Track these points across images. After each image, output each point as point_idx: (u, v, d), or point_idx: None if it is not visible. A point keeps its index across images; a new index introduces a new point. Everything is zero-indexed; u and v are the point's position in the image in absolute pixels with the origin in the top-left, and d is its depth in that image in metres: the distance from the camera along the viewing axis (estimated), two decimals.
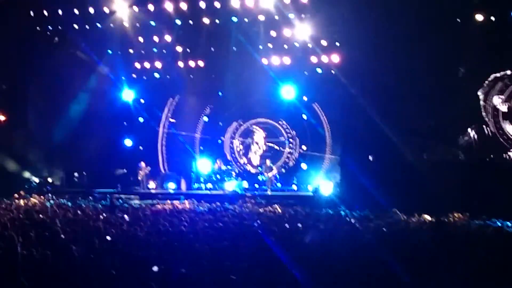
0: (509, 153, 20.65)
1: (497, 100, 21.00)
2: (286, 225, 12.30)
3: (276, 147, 25.58)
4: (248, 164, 25.83)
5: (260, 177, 24.20)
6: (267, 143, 25.76)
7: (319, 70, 23.68)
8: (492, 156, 20.60)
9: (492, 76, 20.87)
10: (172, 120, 26.54)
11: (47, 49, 22.99)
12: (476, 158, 20.41)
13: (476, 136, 20.75)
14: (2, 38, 22.24)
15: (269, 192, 22.58)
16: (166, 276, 8.02)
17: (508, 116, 20.98)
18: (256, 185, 24.10)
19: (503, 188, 16.62)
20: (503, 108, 21.00)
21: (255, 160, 25.83)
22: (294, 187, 24.09)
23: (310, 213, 15.61)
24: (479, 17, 19.72)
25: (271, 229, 11.49)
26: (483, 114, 21.06)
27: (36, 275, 7.98)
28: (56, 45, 23.24)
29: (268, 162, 24.26)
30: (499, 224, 13.41)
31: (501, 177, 17.52)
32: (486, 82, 20.91)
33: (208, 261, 8.55)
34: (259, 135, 25.98)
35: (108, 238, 10.32)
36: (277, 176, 24.49)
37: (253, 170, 25.36)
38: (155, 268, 8.28)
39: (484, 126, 20.95)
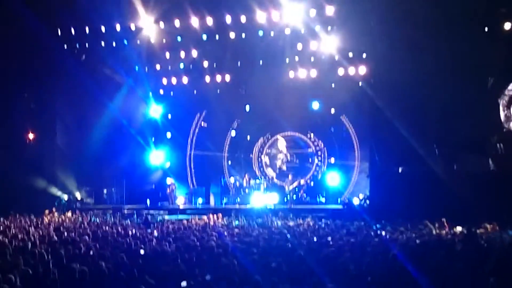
0: None
1: None
2: (315, 238, 12.24)
3: (300, 151, 25.57)
4: (275, 178, 25.77)
5: (287, 191, 24.14)
6: (293, 152, 25.74)
7: (346, 83, 23.59)
8: None
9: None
10: (203, 125, 26.58)
11: (75, 66, 23.13)
12: (505, 167, 20.13)
13: (502, 145, 20.44)
14: (31, 56, 22.48)
15: (291, 206, 22.45)
16: None
17: None
18: (286, 199, 23.98)
19: None
20: None
21: (283, 167, 25.81)
22: (323, 199, 23.99)
23: (340, 226, 15.52)
24: (507, 26, 19.50)
25: (301, 242, 11.44)
26: (506, 123, 20.71)
27: None
28: (84, 62, 23.36)
29: (290, 176, 24.25)
30: None
31: None
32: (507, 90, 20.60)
33: (237, 275, 8.52)
34: (282, 143, 25.97)
35: (140, 252, 10.37)
36: (304, 189, 24.43)
37: (280, 183, 25.26)
38: (183, 283, 8.28)
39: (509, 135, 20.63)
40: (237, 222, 17.51)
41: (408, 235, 12.91)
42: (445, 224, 14.87)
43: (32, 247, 11.02)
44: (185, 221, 17.80)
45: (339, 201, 22.75)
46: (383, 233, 13.46)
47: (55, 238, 12.80)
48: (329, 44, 22.21)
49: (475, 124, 19.68)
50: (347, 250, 10.45)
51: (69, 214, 20.63)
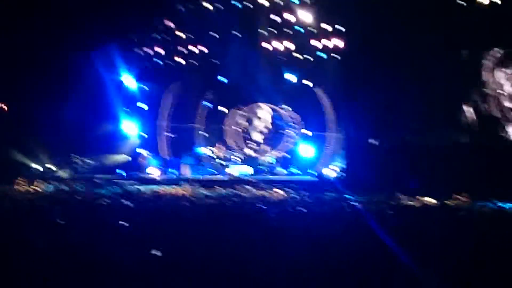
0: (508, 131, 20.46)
1: (500, 76, 20.79)
2: (290, 208, 12.24)
3: (274, 123, 25.53)
4: (249, 149, 25.72)
5: (261, 161, 24.18)
6: (268, 123, 25.70)
7: (323, 55, 23.56)
8: (493, 136, 20.47)
9: (495, 52, 20.62)
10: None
11: (46, 38, 22.78)
12: (477, 139, 20.30)
13: (476, 116, 20.58)
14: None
15: (265, 177, 22.48)
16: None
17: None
18: (260, 169, 24.01)
19: (504, 169, 16.62)
20: (506, 84, 20.81)
21: (257, 139, 25.76)
22: (297, 171, 24.03)
23: (314, 197, 15.54)
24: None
25: (273, 212, 11.43)
26: (484, 93, 20.83)
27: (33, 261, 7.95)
28: (54, 32, 22.97)
29: (265, 146, 24.31)
30: (501, 206, 13.41)
31: (502, 158, 17.51)
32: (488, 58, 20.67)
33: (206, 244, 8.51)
34: (256, 114, 25.90)
35: (113, 223, 10.28)
36: (278, 160, 24.47)
37: (254, 154, 25.25)
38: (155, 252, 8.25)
39: (485, 106, 20.75)
40: (209, 192, 17.47)
41: (382, 206, 12.95)
42: (418, 195, 14.95)
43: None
44: (157, 192, 17.71)
45: (313, 173, 22.80)
46: (356, 204, 13.48)
47: (26, 207, 12.67)
48: (306, 16, 22.15)
49: (448, 97, 19.80)
50: (320, 220, 10.46)
51: (40, 183, 20.43)
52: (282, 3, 21.94)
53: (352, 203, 13.96)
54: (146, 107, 26.36)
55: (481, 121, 20.47)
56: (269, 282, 7.84)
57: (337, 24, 22.29)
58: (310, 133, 24.97)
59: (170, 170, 24.73)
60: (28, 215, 11.29)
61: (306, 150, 24.52)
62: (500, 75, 20.85)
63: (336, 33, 22.52)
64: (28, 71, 23.88)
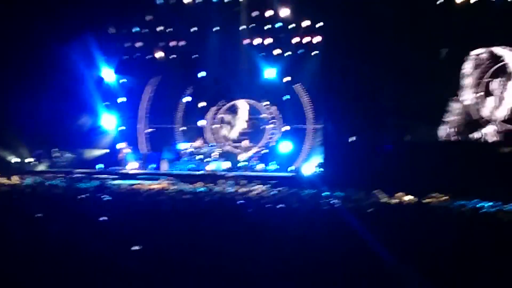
0: (483, 130, 20.64)
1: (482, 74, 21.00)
2: (268, 205, 12.24)
3: (254, 119, 25.55)
4: (229, 144, 25.74)
5: (240, 157, 24.21)
6: (248, 119, 25.69)
7: (301, 51, 23.68)
8: (470, 135, 20.66)
9: (476, 52, 20.79)
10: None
11: (24, 30, 22.59)
12: (456, 138, 20.48)
13: (456, 116, 20.76)
14: None
15: (244, 173, 22.50)
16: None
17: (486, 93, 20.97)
18: (238, 166, 24.03)
19: (481, 168, 16.73)
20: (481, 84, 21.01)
21: (234, 135, 25.75)
22: (275, 167, 24.06)
23: (292, 194, 15.55)
24: None
25: (251, 208, 11.43)
26: (463, 92, 21.00)
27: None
28: (32, 26, 22.77)
29: (246, 142, 24.32)
30: (480, 205, 13.47)
31: (479, 156, 17.64)
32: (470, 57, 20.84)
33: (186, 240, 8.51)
34: (236, 109, 25.89)
35: (93, 217, 10.23)
36: (258, 156, 24.52)
37: (233, 150, 25.28)
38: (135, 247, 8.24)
39: (464, 105, 20.93)
40: (188, 187, 17.44)
41: (360, 203, 12.99)
42: (395, 193, 15.01)
43: None
44: (136, 186, 17.65)
45: (291, 169, 22.85)
46: (334, 201, 13.50)
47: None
48: (284, 11, 22.21)
49: (427, 94, 19.94)
50: (297, 217, 10.47)
51: (17, 177, 20.26)
52: None
53: (329, 200, 14.01)
54: (125, 101, 26.30)
55: (462, 118, 20.65)
56: (246, 278, 7.88)
57: (315, 19, 22.39)
58: (289, 128, 25.02)
59: (149, 165, 24.67)
60: (5, 209, 11.21)
61: (285, 146, 24.58)
62: (482, 74, 21.03)
63: (315, 28, 22.62)
64: (5, 63, 23.69)
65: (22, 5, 22.19)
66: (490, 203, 13.57)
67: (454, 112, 20.81)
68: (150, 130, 26.41)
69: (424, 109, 20.42)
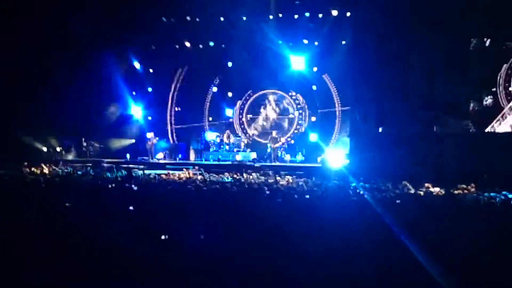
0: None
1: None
2: (295, 196, 12.24)
3: (282, 109, 25.55)
4: (256, 136, 25.76)
5: (268, 149, 24.20)
6: (276, 110, 25.66)
7: (329, 42, 23.58)
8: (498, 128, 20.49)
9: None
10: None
11: (54, 31, 22.76)
12: (484, 131, 20.32)
13: (482, 108, 20.61)
14: None
15: (275, 163, 22.51)
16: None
17: None
18: (265, 157, 24.04)
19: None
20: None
21: (265, 124, 25.76)
22: (302, 157, 24.03)
23: (319, 184, 15.54)
24: None
25: (278, 198, 11.44)
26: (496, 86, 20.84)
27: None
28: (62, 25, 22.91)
29: (274, 133, 24.31)
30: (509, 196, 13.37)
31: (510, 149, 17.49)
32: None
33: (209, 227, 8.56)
34: (266, 101, 25.88)
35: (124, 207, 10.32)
36: (285, 147, 24.50)
37: (261, 141, 25.29)
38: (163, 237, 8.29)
39: (494, 99, 20.77)
40: (212, 177, 17.51)
41: (387, 194, 12.94)
42: (424, 184, 14.94)
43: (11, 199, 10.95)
44: (164, 176, 17.74)
45: (319, 160, 22.80)
46: (362, 192, 13.47)
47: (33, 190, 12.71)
48: (313, 2, 22.17)
49: (458, 86, 19.79)
50: (325, 208, 10.46)
51: (48, 166, 20.48)
52: None
53: (358, 190, 13.97)
54: (154, 92, 26.43)
55: (490, 112, 20.51)
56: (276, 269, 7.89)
57: (346, 11, 22.28)
58: (315, 119, 24.97)
59: (177, 155, 24.78)
60: (35, 198, 11.33)
61: (313, 137, 24.54)
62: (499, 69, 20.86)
63: (344, 18, 22.51)
64: (35, 58, 23.89)
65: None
66: None
67: (481, 105, 20.66)
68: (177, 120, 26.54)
69: (451, 101, 20.26)
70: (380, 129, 20.16)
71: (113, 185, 14.25)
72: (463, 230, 8.53)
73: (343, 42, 22.92)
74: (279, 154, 24.00)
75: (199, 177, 17.72)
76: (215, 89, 26.21)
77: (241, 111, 26.09)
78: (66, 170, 19.27)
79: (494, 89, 20.84)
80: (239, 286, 7.67)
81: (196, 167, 19.69)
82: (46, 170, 19.11)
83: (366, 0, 19.85)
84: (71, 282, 7.77)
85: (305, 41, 23.91)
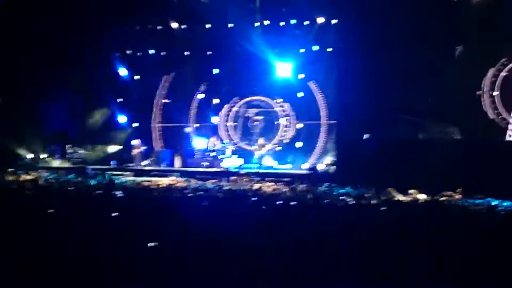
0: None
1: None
2: (280, 202, 12.23)
3: (268, 116, 25.48)
4: (243, 142, 25.70)
5: (254, 154, 24.17)
6: (261, 116, 25.58)
7: (315, 48, 23.60)
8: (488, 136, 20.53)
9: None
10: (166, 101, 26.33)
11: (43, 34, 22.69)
12: (471, 137, 20.36)
13: (471, 113, 20.68)
14: None
15: (260, 170, 22.46)
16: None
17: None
18: (253, 162, 24.00)
19: (498, 168, 16.59)
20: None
21: (251, 131, 25.68)
22: (289, 165, 24.00)
23: (305, 191, 15.56)
24: None
25: (263, 204, 11.42)
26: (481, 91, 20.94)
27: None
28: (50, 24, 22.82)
29: (261, 140, 24.28)
30: (494, 203, 13.40)
31: (496, 157, 17.50)
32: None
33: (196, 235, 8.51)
34: (251, 107, 25.83)
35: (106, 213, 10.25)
36: (272, 153, 24.46)
37: (247, 147, 25.23)
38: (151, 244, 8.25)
39: (478, 104, 20.87)
40: (197, 184, 17.51)
41: (373, 201, 12.97)
42: (409, 191, 14.98)
43: None
44: (148, 183, 17.70)
45: (305, 166, 22.80)
46: (347, 198, 13.49)
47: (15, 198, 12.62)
48: (299, 9, 22.25)
49: (441, 92, 19.88)
50: (311, 214, 10.45)
51: (32, 173, 20.42)
52: None
53: (343, 197, 13.99)
54: (140, 99, 26.35)
55: (476, 118, 20.57)
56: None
57: (330, 16, 22.37)
58: (301, 126, 24.94)
59: (163, 161, 24.69)
60: (18, 205, 11.25)
61: (299, 144, 24.52)
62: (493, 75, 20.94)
63: (330, 25, 22.58)
64: (22, 64, 23.79)
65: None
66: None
67: (470, 112, 20.73)
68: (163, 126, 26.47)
69: (438, 108, 20.34)
70: (366, 136, 20.19)
71: (96, 192, 14.22)
72: (448, 237, 8.54)
73: (328, 50, 22.96)
74: (264, 161, 23.95)
75: (184, 183, 17.73)
76: (201, 95, 26.12)
77: (226, 118, 26.02)
78: (50, 177, 19.20)
79: (479, 94, 20.93)
80: None
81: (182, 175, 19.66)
82: (29, 177, 19.04)
83: (352, 8, 19.92)
84: None
85: (292, 48, 23.94)
